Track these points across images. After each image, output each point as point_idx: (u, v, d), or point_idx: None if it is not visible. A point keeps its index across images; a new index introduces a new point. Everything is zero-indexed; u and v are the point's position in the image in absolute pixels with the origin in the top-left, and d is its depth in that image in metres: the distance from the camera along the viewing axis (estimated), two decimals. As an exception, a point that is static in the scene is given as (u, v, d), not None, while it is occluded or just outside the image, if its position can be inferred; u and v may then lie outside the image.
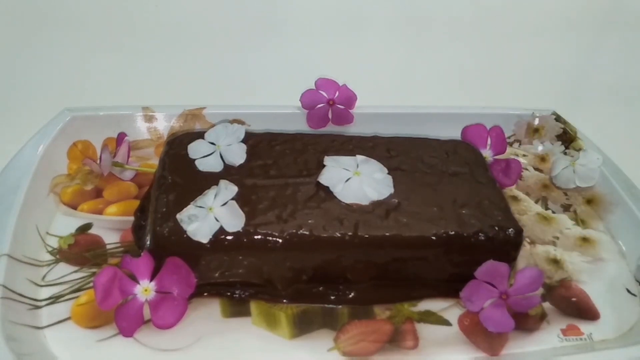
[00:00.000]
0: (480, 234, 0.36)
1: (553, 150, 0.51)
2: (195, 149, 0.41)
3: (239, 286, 0.37)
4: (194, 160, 0.40)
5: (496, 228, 0.37)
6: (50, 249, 0.40)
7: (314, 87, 0.48)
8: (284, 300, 0.37)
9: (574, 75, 0.63)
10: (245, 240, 0.35)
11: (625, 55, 0.64)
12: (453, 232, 0.36)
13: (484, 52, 0.62)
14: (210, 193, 0.36)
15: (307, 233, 0.35)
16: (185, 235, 0.34)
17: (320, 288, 0.38)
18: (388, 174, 0.39)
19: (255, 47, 0.60)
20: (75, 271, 0.38)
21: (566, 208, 0.47)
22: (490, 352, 0.35)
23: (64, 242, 0.40)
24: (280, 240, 0.35)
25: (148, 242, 0.36)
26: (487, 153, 0.48)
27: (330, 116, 0.49)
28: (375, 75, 0.57)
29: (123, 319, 0.34)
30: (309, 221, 0.36)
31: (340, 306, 0.37)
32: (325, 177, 0.38)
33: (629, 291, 0.40)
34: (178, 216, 0.35)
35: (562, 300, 0.39)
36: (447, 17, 0.62)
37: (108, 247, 0.40)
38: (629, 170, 0.46)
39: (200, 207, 0.35)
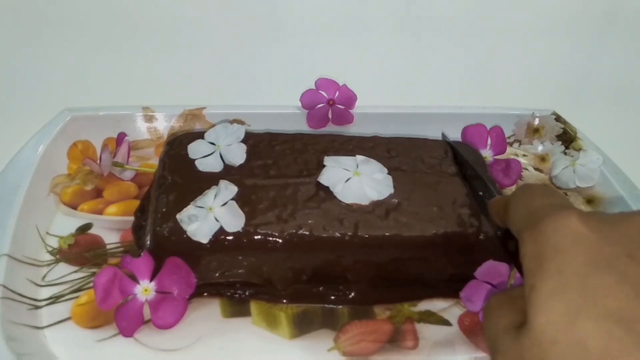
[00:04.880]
0: (480, 234, 0.36)
1: (553, 150, 0.51)
2: (195, 149, 0.41)
3: (239, 286, 0.37)
4: (194, 160, 0.40)
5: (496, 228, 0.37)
6: (50, 249, 0.40)
7: (314, 87, 0.48)
8: (284, 300, 0.37)
9: (574, 75, 0.63)
10: (245, 240, 0.35)
11: (626, 55, 0.64)
12: (453, 232, 0.36)
13: (484, 52, 0.62)
14: (210, 193, 0.36)
15: (307, 233, 0.35)
16: (185, 235, 0.34)
17: (320, 288, 0.38)
18: (388, 174, 0.39)
19: (255, 47, 0.60)
20: (75, 271, 0.38)
21: (566, 208, 0.47)
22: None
23: (64, 242, 0.40)
24: (280, 240, 0.35)
25: (148, 242, 0.36)
26: (487, 153, 0.48)
27: (330, 116, 0.49)
28: (375, 75, 0.57)
29: (123, 319, 0.34)
30: (309, 221, 0.36)
31: (340, 306, 0.37)
32: (325, 177, 0.38)
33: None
34: (178, 216, 0.35)
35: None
36: (447, 17, 0.62)
37: (108, 247, 0.40)
38: (629, 170, 0.46)
39: (200, 207, 0.35)
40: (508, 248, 0.30)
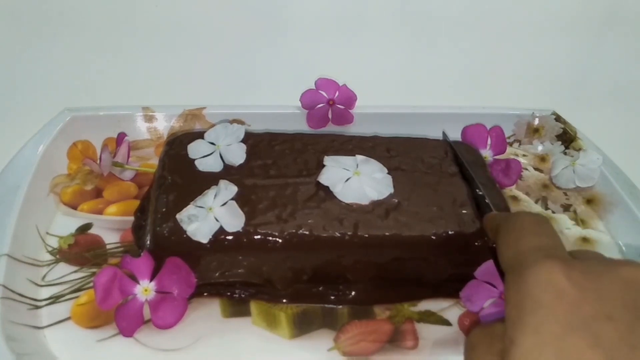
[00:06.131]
0: (480, 233, 0.36)
1: (553, 150, 0.51)
2: (195, 149, 0.41)
3: (239, 286, 0.37)
4: (194, 160, 0.40)
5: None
6: (50, 249, 0.40)
7: (314, 87, 0.48)
8: (284, 300, 0.37)
9: (574, 75, 0.63)
10: (245, 240, 0.35)
11: (625, 55, 0.64)
12: (453, 232, 0.36)
13: (484, 52, 0.62)
14: (210, 193, 0.36)
15: (307, 233, 0.35)
16: (185, 235, 0.34)
17: (320, 288, 0.38)
18: (388, 173, 0.39)
19: (255, 47, 0.60)
20: (75, 271, 0.38)
21: (566, 208, 0.47)
22: (490, 352, 0.35)
23: (64, 242, 0.40)
24: (280, 240, 0.35)
25: (148, 242, 0.36)
26: (487, 153, 0.48)
27: (330, 116, 0.49)
28: (375, 75, 0.57)
29: (123, 319, 0.34)
30: (309, 221, 0.36)
31: (340, 306, 0.37)
32: (325, 177, 0.38)
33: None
34: (178, 216, 0.35)
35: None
36: (447, 17, 0.62)
37: (108, 247, 0.40)
38: (629, 170, 0.46)
39: (200, 207, 0.35)
40: (499, 267, 0.30)
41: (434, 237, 0.36)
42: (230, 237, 0.35)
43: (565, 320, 0.21)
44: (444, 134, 0.47)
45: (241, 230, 0.35)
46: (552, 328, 0.21)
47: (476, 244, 0.36)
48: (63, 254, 0.39)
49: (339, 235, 0.35)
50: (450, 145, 0.44)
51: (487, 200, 0.37)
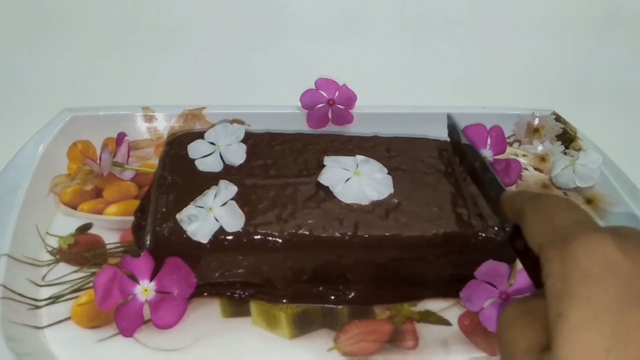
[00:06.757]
0: (480, 234, 0.36)
1: (553, 150, 0.51)
2: (195, 149, 0.41)
3: (239, 286, 0.37)
4: (194, 160, 0.40)
5: (496, 228, 0.37)
6: (50, 249, 0.40)
7: (314, 87, 0.48)
8: (284, 300, 0.37)
9: (574, 75, 0.63)
10: (245, 240, 0.35)
11: (626, 55, 0.64)
12: (453, 232, 0.36)
13: (484, 52, 0.62)
14: (210, 193, 0.36)
15: (307, 233, 0.35)
16: (185, 235, 0.34)
17: (320, 288, 0.38)
18: (388, 174, 0.39)
19: (255, 47, 0.60)
20: (75, 271, 0.38)
21: (566, 208, 0.47)
22: (490, 352, 0.35)
23: (64, 242, 0.40)
24: (280, 240, 0.35)
25: (148, 242, 0.36)
26: (487, 153, 0.48)
27: (330, 116, 0.49)
28: (375, 75, 0.57)
29: (123, 319, 0.34)
30: (309, 221, 0.36)
31: (340, 306, 0.37)
32: (325, 177, 0.38)
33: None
34: (178, 216, 0.35)
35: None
36: (447, 17, 0.62)
37: (108, 247, 0.40)
38: (629, 170, 0.46)
39: (200, 207, 0.35)
40: (516, 246, 0.29)
41: (434, 238, 0.36)
42: (230, 237, 0.35)
43: (620, 293, 0.19)
44: (448, 116, 0.45)
45: (241, 230, 0.35)
46: (607, 300, 0.19)
47: (480, 236, 0.36)
48: (63, 254, 0.39)
49: (339, 235, 0.35)
50: (454, 127, 0.43)
51: (498, 180, 0.35)
